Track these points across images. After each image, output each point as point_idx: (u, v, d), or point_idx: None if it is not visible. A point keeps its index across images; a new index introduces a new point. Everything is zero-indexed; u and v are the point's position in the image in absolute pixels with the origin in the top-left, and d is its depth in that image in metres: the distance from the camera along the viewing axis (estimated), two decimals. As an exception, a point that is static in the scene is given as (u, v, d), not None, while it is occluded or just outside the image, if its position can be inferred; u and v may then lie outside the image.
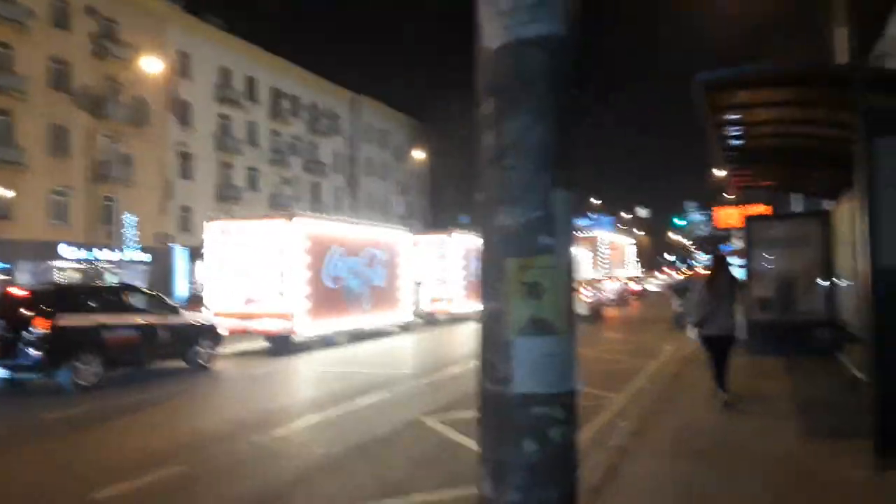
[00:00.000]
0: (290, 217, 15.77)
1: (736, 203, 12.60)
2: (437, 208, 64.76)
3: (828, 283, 10.80)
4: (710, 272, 9.12)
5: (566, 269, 1.96)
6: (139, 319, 11.98)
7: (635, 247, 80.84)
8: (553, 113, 1.93)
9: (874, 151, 4.68)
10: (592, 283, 29.12)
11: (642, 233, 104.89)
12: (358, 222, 20.31)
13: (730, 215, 12.96)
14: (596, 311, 25.27)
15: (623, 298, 34.77)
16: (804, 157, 7.74)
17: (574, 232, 2.18)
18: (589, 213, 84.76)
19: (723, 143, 7.39)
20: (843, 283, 9.73)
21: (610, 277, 36.23)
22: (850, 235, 7.45)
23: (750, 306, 11.76)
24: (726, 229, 14.12)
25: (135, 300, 12.64)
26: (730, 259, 10.44)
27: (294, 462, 6.42)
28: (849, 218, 7.61)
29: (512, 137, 1.94)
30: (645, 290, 41.46)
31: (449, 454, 6.52)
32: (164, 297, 13.84)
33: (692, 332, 9.03)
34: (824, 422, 6.66)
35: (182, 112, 38.85)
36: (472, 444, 5.55)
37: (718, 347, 8.16)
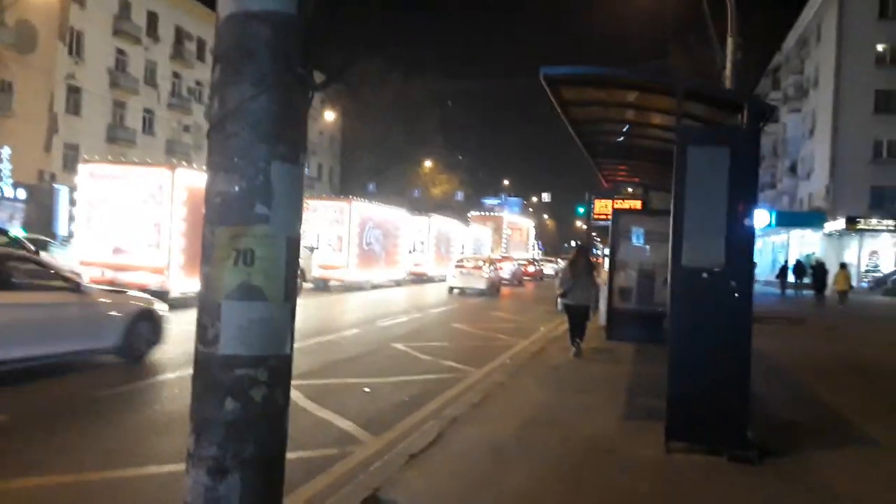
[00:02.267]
0: (173, 168, 15.16)
1: (611, 196, 13.26)
2: (347, 172, 63.94)
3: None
4: (572, 257, 11.34)
5: (285, 239, 2.03)
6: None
7: (540, 231, 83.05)
8: (276, 86, 1.98)
9: (686, 158, 5.05)
10: (491, 260, 29.74)
11: (548, 218, 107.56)
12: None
13: (605, 206, 13.63)
14: (494, 287, 26.75)
15: (517, 279, 35.75)
16: (652, 156, 8.22)
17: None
18: (500, 195, 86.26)
19: (583, 138, 7.72)
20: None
21: (506, 258, 37.02)
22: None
23: (612, 295, 12.41)
24: (601, 219, 14.81)
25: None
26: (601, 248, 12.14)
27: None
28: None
29: (233, 104, 1.98)
30: (540, 273, 42.73)
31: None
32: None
33: (559, 302, 11.34)
34: (645, 405, 7.16)
35: (73, 42, 36.24)
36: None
37: (576, 314, 10.71)
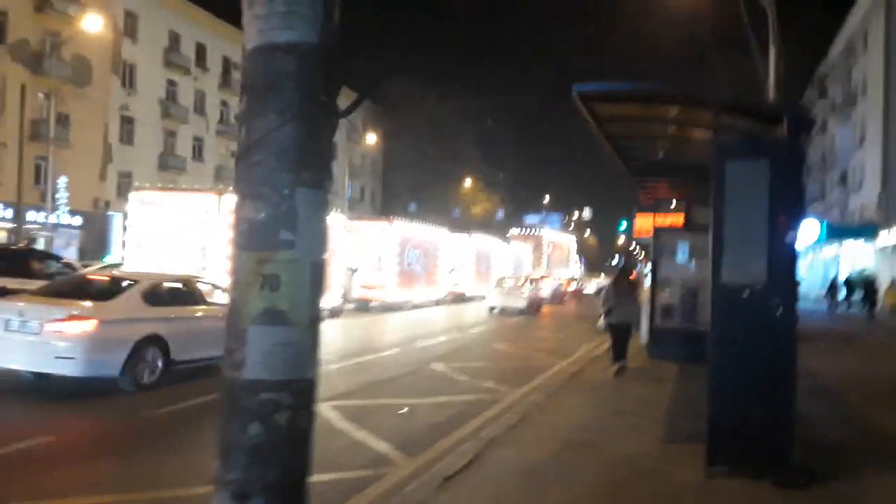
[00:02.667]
0: (220, 193, 15.58)
1: (652, 212, 13.05)
2: (388, 193, 64.59)
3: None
4: (616, 276, 11.57)
5: (309, 264, 2.07)
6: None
7: (582, 247, 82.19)
8: (300, 115, 2.03)
9: (723, 172, 4.96)
10: (531, 279, 29.57)
11: (590, 234, 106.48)
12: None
13: (646, 223, 13.43)
14: (534, 305, 26.61)
15: (558, 297, 35.47)
16: (692, 172, 8.08)
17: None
18: (540, 212, 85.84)
19: (619, 154, 7.67)
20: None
21: (547, 276, 36.74)
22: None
23: (654, 313, 12.21)
24: (642, 236, 14.59)
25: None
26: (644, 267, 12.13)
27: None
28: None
29: (258, 135, 2.04)
30: (580, 291, 42.26)
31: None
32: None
33: (601, 321, 11.54)
34: (686, 426, 6.99)
35: (126, 74, 37.68)
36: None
37: (618, 332, 10.78)
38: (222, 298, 9.32)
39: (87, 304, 8.19)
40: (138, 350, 8.23)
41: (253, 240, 2.04)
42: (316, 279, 2.10)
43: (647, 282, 12.77)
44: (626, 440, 6.52)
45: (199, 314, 9.38)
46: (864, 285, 27.37)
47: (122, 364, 8.04)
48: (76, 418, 7.27)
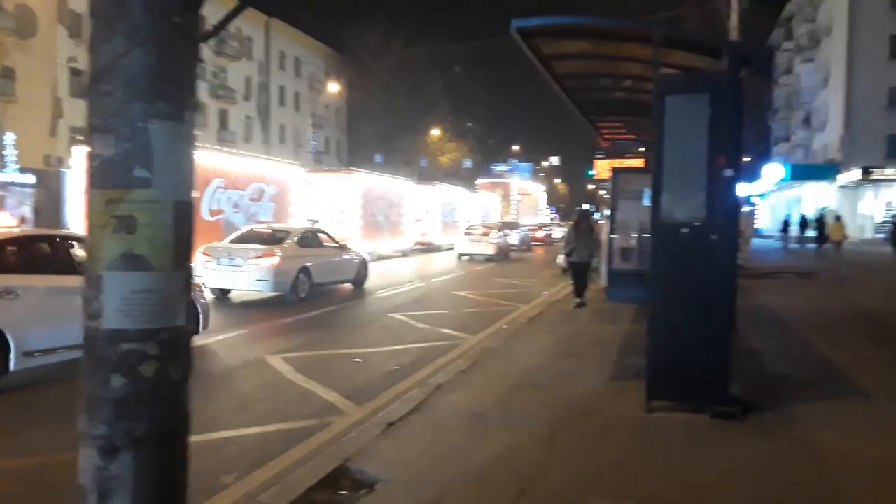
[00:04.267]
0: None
1: (612, 156, 12.93)
2: (354, 144, 63.56)
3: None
4: (576, 219, 12.43)
5: (171, 203, 1.91)
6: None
7: (553, 195, 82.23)
8: (151, 39, 1.84)
9: (663, 108, 4.84)
10: (499, 227, 29.59)
11: (561, 181, 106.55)
12: (245, 155, 19.67)
13: (604, 167, 13.32)
14: (502, 252, 27.06)
15: (526, 244, 35.62)
16: (646, 111, 7.95)
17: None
18: (508, 160, 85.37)
19: (571, 95, 7.48)
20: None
21: (512, 224, 36.75)
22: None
23: (612, 256, 12.25)
24: (602, 181, 14.50)
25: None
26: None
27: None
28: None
29: (105, 61, 1.85)
30: (548, 238, 42.34)
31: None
32: None
33: (561, 260, 12.70)
34: (636, 365, 7.02)
35: (74, 25, 36.02)
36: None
37: (579, 271, 11.86)
38: (335, 243, 14.82)
39: (272, 247, 12.67)
40: (298, 276, 12.71)
41: (103, 177, 1.86)
42: (181, 220, 1.94)
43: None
44: (574, 381, 6.55)
45: (327, 253, 14.25)
46: (817, 222, 28.80)
47: (290, 285, 12.58)
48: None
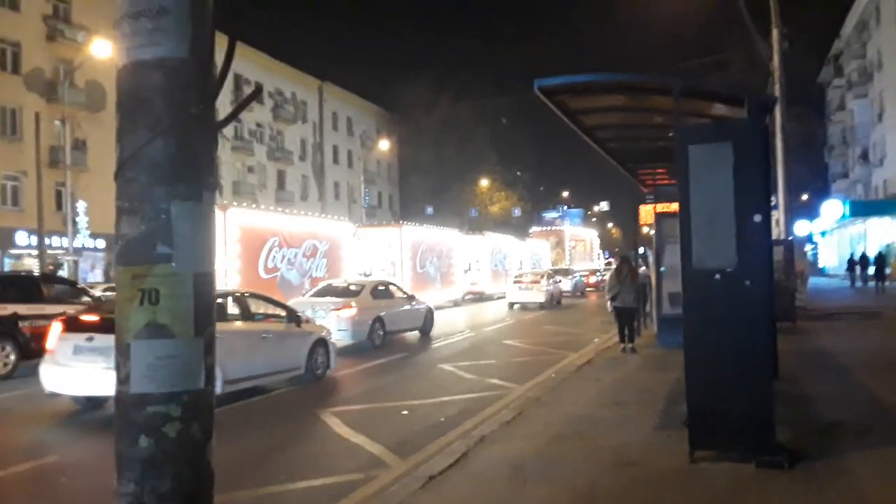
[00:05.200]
0: (224, 208, 15.77)
1: (655, 201, 12.87)
2: (405, 198, 64.73)
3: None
4: (618, 265, 12.70)
5: (191, 275, 2.09)
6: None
7: (606, 240, 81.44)
8: (171, 129, 2.05)
9: (687, 157, 4.89)
10: (549, 274, 29.49)
11: (613, 226, 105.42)
12: (296, 213, 20.33)
13: (648, 212, 13.26)
14: (553, 299, 27.13)
15: (579, 290, 35.29)
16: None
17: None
18: (558, 206, 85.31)
19: (602, 146, 7.58)
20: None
21: (566, 271, 36.54)
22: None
23: (661, 301, 12.08)
24: (646, 226, 14.44)
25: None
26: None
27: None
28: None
29: (130, 151, 2.07)
30: (602, 283, 41.82)
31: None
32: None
33: (609, 304, 12.50)
34: (682, 414, 6.89)
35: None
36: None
37: (623, 315, 12.06)
38: (403, 294, 16.03)
39: (349, 299, 13.94)
40: (373, 325, 13.88)
41: (130, 255, 2.06)
42: (201, 290, 2.11)
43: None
44: (618, 430, 6.46)
45: (397, 303, 15.30)
46: (875, 261, 27.90)
47: (367, 333, 13.77)
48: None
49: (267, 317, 10.20)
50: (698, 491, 4.69)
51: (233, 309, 9.59)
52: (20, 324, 11.25)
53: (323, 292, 14.92)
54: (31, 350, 11.32)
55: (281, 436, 7.31)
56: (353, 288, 14.91)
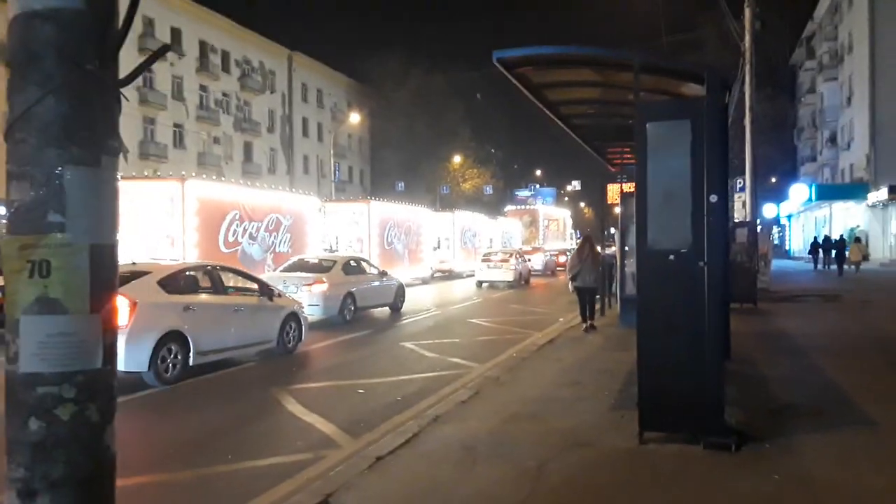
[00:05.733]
0: (183, 180, 15.37)
1: (628, 179, 12.81)
2: (375, 174, 64.20)
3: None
4: (579, 244, 12.60)
5: (87, 247, 1.92)
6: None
7: (578, 219, 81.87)
8: (63, 87, 1.87)
9: (645, 134, 4.79)
10: (518, 253, 29.49)
11: (585, 206, 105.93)
12: (259, 186, 19.96)
13: (616, 192, 13.26)
14: (522, 278, 27.02)
15: (550, 269, 35.41)
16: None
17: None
18: (531, 185, 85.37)
19: (566, 122, 7.47)
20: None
21: (537, 250, 36.63)
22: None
23: (624, 281, 12.11)
24: (613, 205, 14.44)
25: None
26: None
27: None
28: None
29: (19, 110, 1.89)
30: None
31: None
32: None
33: (570, 284, 12.45)
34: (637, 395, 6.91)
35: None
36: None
37: (584, 295, 12.10)
38: (375, 270, 16.03)
39: (321, 275, 13.89)
40: (344, 300, 13.94)
41: (19, 223, 1.89)
42: (100, 263, 1.95)
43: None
44: (573, 411, 6.44)
45: (369, 279, 15.30)
46: (836, 244, 28.95)
47: (338, 308, 13.82)
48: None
49: (239, 290, 10.22)
50: (642, 472, 4.67)
51: (205, 282, 9.52)
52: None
53: (295, 267, 14.90)
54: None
55: (236, 413, 7.18)
56: (325, 263, 14.91)
